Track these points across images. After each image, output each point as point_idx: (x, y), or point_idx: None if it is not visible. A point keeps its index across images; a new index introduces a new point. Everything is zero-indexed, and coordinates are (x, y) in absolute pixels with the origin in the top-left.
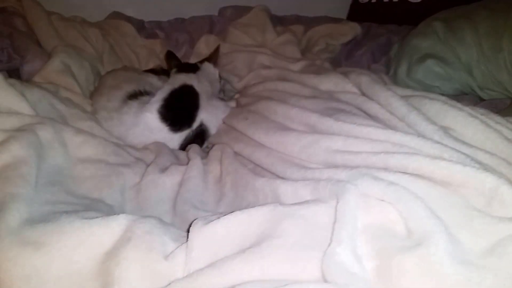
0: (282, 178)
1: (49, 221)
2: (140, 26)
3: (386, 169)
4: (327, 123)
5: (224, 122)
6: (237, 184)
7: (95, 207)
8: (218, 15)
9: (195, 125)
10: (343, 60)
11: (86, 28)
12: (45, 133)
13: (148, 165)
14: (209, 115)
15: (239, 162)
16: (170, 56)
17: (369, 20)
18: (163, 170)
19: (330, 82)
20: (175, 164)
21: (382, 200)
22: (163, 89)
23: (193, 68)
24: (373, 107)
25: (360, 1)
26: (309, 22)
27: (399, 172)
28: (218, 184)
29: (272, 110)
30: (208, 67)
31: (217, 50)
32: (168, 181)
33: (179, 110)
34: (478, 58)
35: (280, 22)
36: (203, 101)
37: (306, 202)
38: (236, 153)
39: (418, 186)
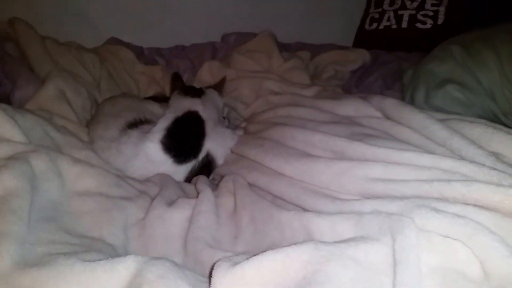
0: (311, 211)
1: (45, 264)
2: (139, 52)
3: (442, 199)
4: (359, 148)
5: (232, 151)
6: (256, 218)
7: (96, 247)
8: (221, 41)
9: (201, 155)
10: (353, 87)
11: (83, 53)
12: (40, 162)
13: (153, 199)
14: (216, 144)
15: (256, 194)
16: (176, 78)
17: (376, 47)
18: (170, 204)
19: (349, 107)
20: (182, 198)
21: (447, 237)
22: (165, 117)
23: (198, 92)
24: (403, 132)
25: (367, 28)
26: (314, 49)
27: (460, 202)
28: (233, 218)
29: (289, 136)
30: (213, 92)
31: (223, 80)
32: (176, 216)
33: (184, 140)
34: (501, 82)
35: (284, 49)
36: (209, 129)
37: (352, 240)
38: (250, 184)
39: (487, 218)
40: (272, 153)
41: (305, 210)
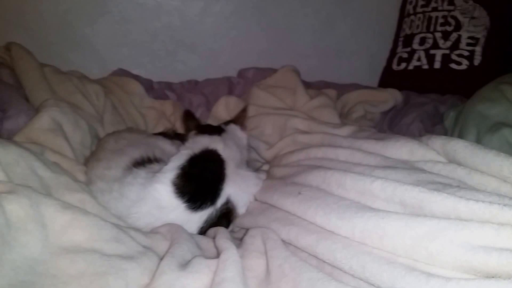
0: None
1: None
2: (148, 86)
3: None
4: (448, 202)
5: (255, 199)
6: None
7: None
8: (238, 76)
9: (220, 202)
10: (386, 129)
11: (85, 84)
12: (16, 208)
13: (161, 258)
14: (238, 189)
15: (297, 257)
16: (188, 116)
17: (404, 88)
18: (183, 265)
19: (402, 149)
20: (199, 257)
21: None
22: (179, 154)
23: (217, 130)
24: (490, 182)
25: (394, 68)
26: (338, 89)
27: None
28: None
29: (335, 183)
30: (234, 129)
31: (244, 111)
32: (191, 284)
33: (200, 182)
34: None
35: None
36: (230, 171)
37: None
38: (285, 242)
39: None
40: (316, 204)
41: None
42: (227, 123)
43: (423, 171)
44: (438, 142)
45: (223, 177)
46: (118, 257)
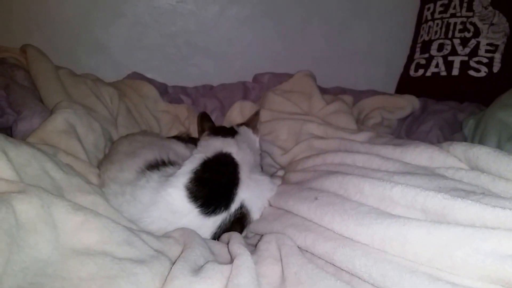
0: None
1: None
2: (163, 90)
3: None
4: (473, 209)
5: (270, 204)
6: None
7: None
8: (253, 81)
9: (234, 206)
10: (403, 136)
11: (100, 86)
12: (27, 208)
13: (173, 262)
14: (252, 194)
15: (313, 264)
16: (204, 118)
17: (422, 94)
18: (196, 271)
19: (421, 155)
20: (212, 262)
21: None
22: (192, 158)
23: (230, 132)
24: None
25: (412, 75)
26: (354, 95)
27: None
28: None
29: (353, 189)
30: (247, 131)
31: (256, 114)
32: None
33: (214, 186)
34: None
35: (322, 93)
36: (244, 175)
37: None
38: (301, 249)
39: None
40: (333, 209)
41: None
42: (240, 125)
43: (444, 177)
44: (459, 148)
45: (237, 181)
46: (130, 261)
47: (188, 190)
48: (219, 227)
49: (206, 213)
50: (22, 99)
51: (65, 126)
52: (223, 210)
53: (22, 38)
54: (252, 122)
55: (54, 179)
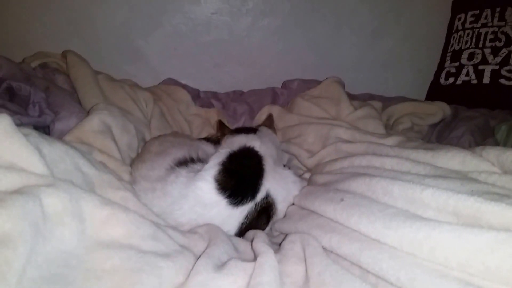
0: None
1: None
2: (195, 95)
3: None
4: (509, 213)
5: (294, 204)
6: None
7: None
8: (282, 87)
9: (260, 196)
10: (434, 142)
11: (136, 91)
12: (55, 201)
13: (197, 258)
14: (277, 185)
15: (338, 265)
16: (222, 124)
17: (452, 102)
18: (219, 267)
19: (454, 159)
20: (235, 259)
21: None
22: (218, 153)
23: (252, 130)
24: None
25: (442, 83)
26: (384, 101)
27: None
28: None
29: (381, 190)
30: (266, 130)
31: (270, 117)
32: (226, 286)
33: (240, 177)
34: None
35: (352, 99)
36: (268, 167)
37: None
38: (326, 250)
39: None
40: (360, 211)
41: None
42: (258, 126)
43: (477, 181)
44: (492, 152)
45: (262, 172)
46: (154, 255)
47: (216, 181)
48: (246, 217)
49: (234, 204)
50: (60, 101)
51: (101, 126)
52: (249, 200)
53: (64, 44)
54: (268, 123)
55: (86, 174)
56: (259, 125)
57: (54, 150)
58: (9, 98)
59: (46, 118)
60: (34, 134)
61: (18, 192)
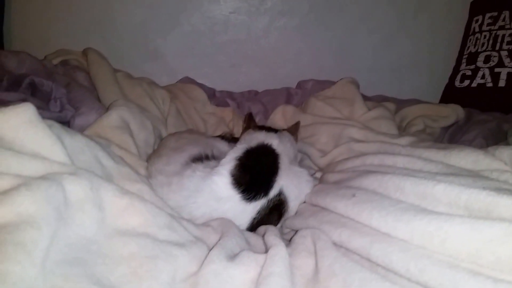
0: None
1: None
2: (211, 94)
3: None
4: None
5: (305, 202)
6: None
7: None
8: (297, 88)
9: (273, 193)
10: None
11: (154, 89)
12: (77, 188)
13: (210, 249)
14: (291, 183)
15: (348, 258)
16: (251, 117)
17: (467, 105)
18: (232, 257)
19: (467, 158)
20: (247, 251)
21: None
22: (235, 149)
23: (273, 130)
24: None
25: (457, 86)
26: (398, 103)
27: None
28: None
29: (392, 187)
30: (288, 134)
31: (297, 125)
32: (238, 276)
33: (255, 174)
34: None
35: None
36: (283, 165)
37: None
38: (337, 244)
39: None
40: (372, 206)
41: None
42: (282, 130)
43: (488, 178)
44: (505, 152)
45: (277, 169)
46: (170, 244)
47: (232, 176)
48: (258, 212)
49: (247, 199)
50: (81, 97)
51: (119, 122)
52: (262, 196)
53: (85, 42)
54: (292, 130)
55: (105, 167)
56: (283, 130)
57: (75, 141)
58: (31, 93)
59: (66, 113)
60: (56, 125)
61: (42, 178)
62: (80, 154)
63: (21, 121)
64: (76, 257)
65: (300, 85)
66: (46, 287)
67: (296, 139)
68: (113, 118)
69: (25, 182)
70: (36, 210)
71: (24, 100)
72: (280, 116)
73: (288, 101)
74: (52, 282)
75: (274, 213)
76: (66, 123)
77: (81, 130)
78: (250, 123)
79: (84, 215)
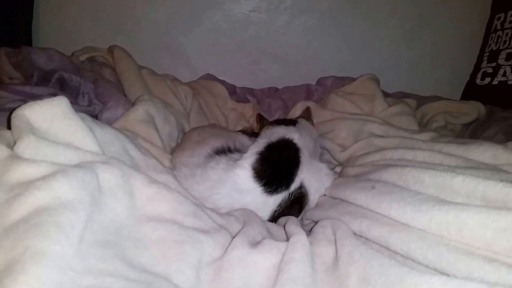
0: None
1: None
2: (232, 90)
3: None
4: None
5: (325, 195)
6: (372, 279)
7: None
8: (317, 84)
9: (294, 186)
10: None
11: (177, 85)
12: (109, 176)
13: (233, 237)
14: (311, 177)
15: (367, 246)
16: (261, 116)
17: (488, 102)
18: (254, 245)
19: (486, 153)
20: (269, 239)
21: None
22: (257, 143)
23: (291, 122)
24: None
25: (478, 83)
26: (418, 100)
27: None
28: (332, 274)
29: (412, 179)
30: (305, 122)
31: (308, 110)
32: (261, 261)
33: (277, 167)
34: None
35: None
36: (304, 159)
37: None
38: (356, 234)
39: None
40: (391, 197)
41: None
42: (297, 118)
43: (507, 172)
44: None
45: (298, 163)
46: (195, 230)
47: (253, 170)
48: (279, 205)
49: (269, 192)
50: (108, 92)
51: (145, 116)
52: (284, 189)
53: (111, 39)
54: (306, 116)
55: (133, 157)
56: (298, 117)
57: (105, 133)
58: (60, 88)
59: (94, 107)
60: (88, 118)
61: (78, 165)
62: (110, 145)
63: (56, 113)
64: (109, 240)
65: (320, 81)
66: (83, 266)
67: (312, 123)
68: (139, 112)
69: (62, 169)
70: (73, 195)
71: (54, 94)
72: (300, 112)
73: (308, 97)
74: (88, 262)
75: (295, 206)
76: (94, 117)
77: (109, 123)
78: (262, 122)
79: (116, 201)
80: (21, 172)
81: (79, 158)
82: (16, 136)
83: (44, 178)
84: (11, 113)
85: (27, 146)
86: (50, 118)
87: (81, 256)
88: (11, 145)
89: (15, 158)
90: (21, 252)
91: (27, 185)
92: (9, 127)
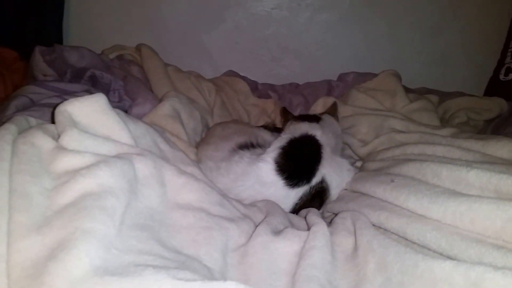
0: None
1: (128, 274)
2: (254, 86)
3: None
4: None
5: (346, 189)
6: (390, 266)
7: (191, 266)
8: (337, 80)
9: (315, 180)
10: None
11: (201, 81)
12: (144, 167)
13: (257, 225)
14: (332, 172)
15: (385, 236)
16: (286, 110)
17: (510, 99)
18: (277, 233)
19: (504, 148)
20: (291, 228)
21: None
22: (280, 138)
23: (315, 118)
24: None
25: (501, 79)
26: (441, 95)
27: None
28: (351, 262)
29: (430, 173)
30: (330, 118)
31: (334, 106)
32: (283, 248)
33: (299, 161)
34: None
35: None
36: (326, 154)
37: None
38: (375, 226)
39: None
40: (409, 190)
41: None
42: (322, 113)
43: None
44: None
45: (320, 159)
46: (222, 218)
47: (276, 163)
48: (301, 198)
49: (290, 185)
50: (136, 89)
51: (172, 111)
52: (305, 183)
53: (138, 38)
54: (332, 112)
55: (162, 150)
56: (323, 113)
57: (138, 127)
58: (91, 85)
59: (124, 103)
60: (122, 113)
61: (116, 156)
62: (142, 138)
63: (95, 109)
64: (144, 224)
65: (341, 77)
66: (124, 245)
67: (337, 119)
68: (166, 108)
69: (104, 159)
70: (114, 183)
71: (87, 91)
72: (321, 108)
73: (329, 93)
74: (128, 242)
75: (316, 200)
76: (124, 112)
77: (138, 118)
78: (287, 116)
79: (150, 189)
80: (67, 162)
81: (117, 149)
82: (60, 129)
83: (88, 167)
84: (54, 108)
85: (70, 139)
86: (90, 113)
87: (122, 237)
88: (55, 138)
89: (61, 149)
90: (71, 231)
91: (73, 173)
92: (53, 121)
